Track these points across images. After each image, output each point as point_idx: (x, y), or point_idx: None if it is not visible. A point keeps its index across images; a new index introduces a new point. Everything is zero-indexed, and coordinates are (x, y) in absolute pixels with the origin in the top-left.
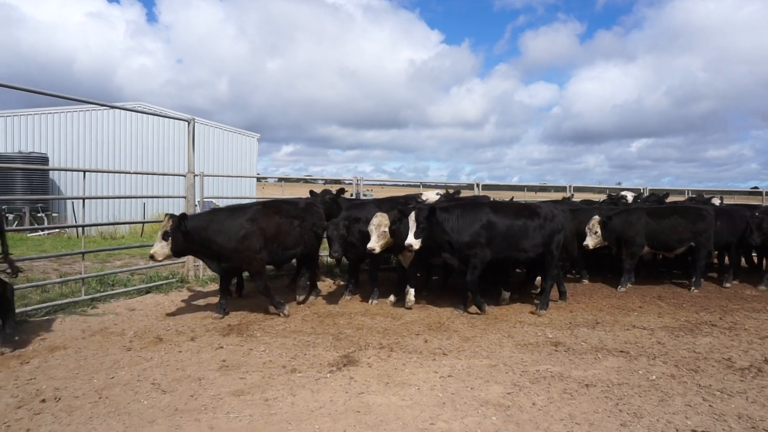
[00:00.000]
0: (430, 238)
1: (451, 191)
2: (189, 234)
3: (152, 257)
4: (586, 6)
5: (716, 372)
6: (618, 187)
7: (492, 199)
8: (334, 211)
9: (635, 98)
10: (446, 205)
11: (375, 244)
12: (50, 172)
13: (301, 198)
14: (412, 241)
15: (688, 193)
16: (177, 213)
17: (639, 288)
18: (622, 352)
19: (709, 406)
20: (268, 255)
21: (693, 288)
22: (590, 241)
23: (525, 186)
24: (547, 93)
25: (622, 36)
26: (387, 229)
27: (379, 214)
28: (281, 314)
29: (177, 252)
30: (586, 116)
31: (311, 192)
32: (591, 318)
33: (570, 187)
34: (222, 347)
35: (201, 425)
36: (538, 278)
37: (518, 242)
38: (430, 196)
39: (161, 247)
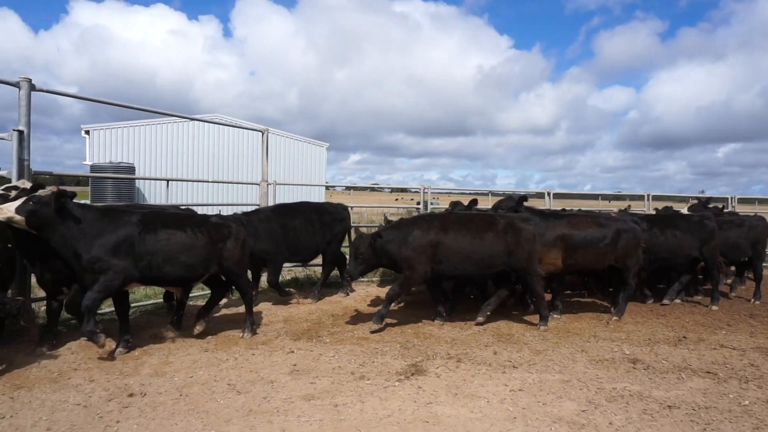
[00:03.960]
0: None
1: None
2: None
3: None
4: (667, 3)
5: None
6: (701, 195)
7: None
8: None
9: (723, 99)
10: (87, 204)
11: None
12: (136, 180)
13: None
14: None
15: None
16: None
17: (729, 305)
18: (708, 372)
19: None
20: None
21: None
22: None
23: (599, 195)
24: (623, 97)
25: (709, 33)
26: None
27: None
28: None
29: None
30: (666, 120)
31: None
32: (673, 335)
33: (648, 195)
34: (293, 351)
35: (273, 427)
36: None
37: (176, 259)
38: None
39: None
